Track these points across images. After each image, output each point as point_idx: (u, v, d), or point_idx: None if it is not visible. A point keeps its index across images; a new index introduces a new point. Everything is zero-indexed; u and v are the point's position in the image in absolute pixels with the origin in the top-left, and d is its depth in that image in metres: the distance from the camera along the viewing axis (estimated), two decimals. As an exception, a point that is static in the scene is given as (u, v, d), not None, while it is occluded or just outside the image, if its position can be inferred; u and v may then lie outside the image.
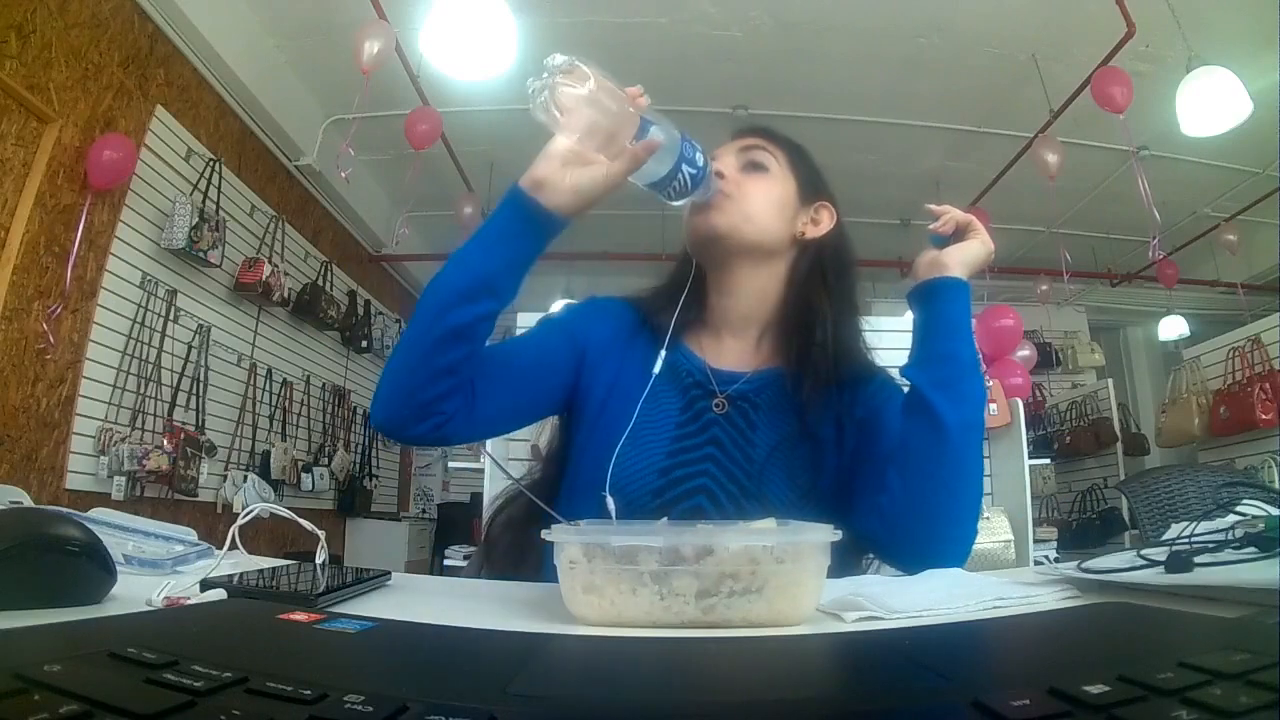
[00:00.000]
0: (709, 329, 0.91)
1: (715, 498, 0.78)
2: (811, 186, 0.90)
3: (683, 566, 0.42)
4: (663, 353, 0.83)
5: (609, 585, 0.43)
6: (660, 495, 0.78)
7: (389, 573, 0.60)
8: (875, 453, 0.79)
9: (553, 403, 0.87)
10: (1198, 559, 0.47)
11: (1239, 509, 0.56)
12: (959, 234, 0.80)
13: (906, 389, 0.78)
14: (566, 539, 0.45)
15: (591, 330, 0.89)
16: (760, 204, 0.85)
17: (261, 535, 3.43)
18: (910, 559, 0.69)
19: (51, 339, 2.36)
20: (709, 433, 0.82)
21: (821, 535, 0.45)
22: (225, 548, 0.57)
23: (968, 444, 0.71)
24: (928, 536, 0.70)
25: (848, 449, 0.83)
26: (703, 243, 0.85)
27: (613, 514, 0.71)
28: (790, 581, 0.43)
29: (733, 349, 0.89)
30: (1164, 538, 0.56)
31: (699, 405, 0.85)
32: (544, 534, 0.46)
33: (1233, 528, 0.52)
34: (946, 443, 0.70)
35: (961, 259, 0.77)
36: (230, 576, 0.50)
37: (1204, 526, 0.54)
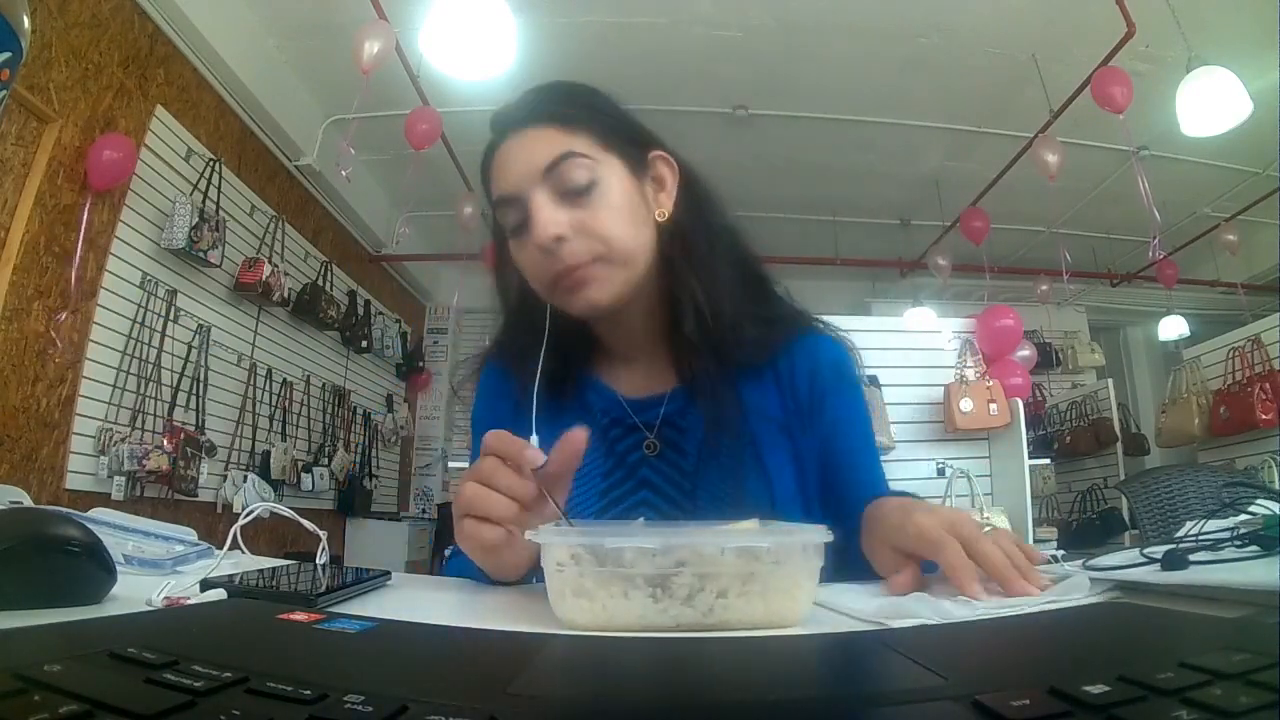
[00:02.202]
0: (607, 355, 0.79)
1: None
2: (634, 146, 0.72)
3: (677, 568, 0.42)
4: (534, 439, 0.57)
5: (599, 589, 0.42)
6: None
7: (389, 573, 0.60)
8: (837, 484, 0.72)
9: None
10: (1195, 557, 0.47)
11: (1249, 509, 0.57)
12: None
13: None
14: (554, 541, 0.44)
15: (501, 419, 0.72)
16: (614, 227, 0.66)
17: (262, 535, 3.43)
18: None
19: (58, 343, 2.37)
20: (638, 475, 0.73)
21: (816, 536, 0.45)
22: (225, 547, 0.57)
23: None
24: None
25: (806, 445, 0.74)
26: (593, 316, 0.70)
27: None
28: (786, 582, 0.43)
29: (641, 370, 0.77)
30: (1175, 536, 0.56)
31: (621, 446, 0.74)
32: (529, 535, 0.45)
33: (1235, 527, 0.52)
34: None
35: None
36: (230, 576, 0.50)
37: (1211, 525, 0.54)
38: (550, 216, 0.65)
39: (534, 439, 0.60)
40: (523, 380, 0.71)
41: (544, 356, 0.68)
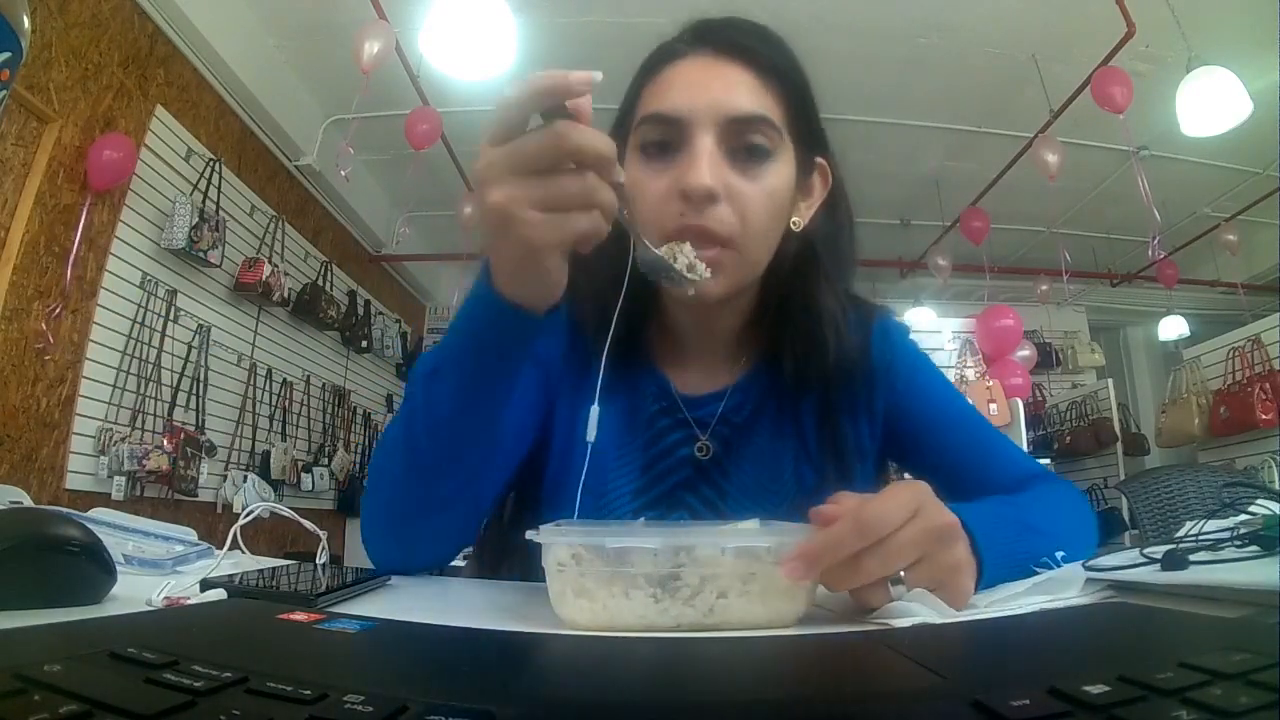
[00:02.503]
0: (667, 339, 0.73)
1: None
2: (810, 144, 0.66)
3: (678, 568, 0.42)
4: (595, 410, 0.54)
5: (600, 588, 0.42)
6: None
7: (389, 573, 0.60)
8: (931, 472, 0.68)
9: (538, 429, 0.71)
10: (1195, 557, 0.47)
11: (1249, 509, 0.56)
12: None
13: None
14: (555, 540, 0.43)
15: (550, 346, 0.69)
16: (762, 219, 0.60)
17: (262, 535, 3.43)
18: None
19: (51, 339, 2.36)
20: (680, 474, 0.69)
21: None
22: (226, 547, 0.57)
23: (1070, 537, 0.56)
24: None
25: (872, 452, 0.71)
26: (691, 302, 0.63)
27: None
28: (786, 582, 0.43)
29: (699, 362, 0.73)
30: (1175, 536, 0.56)
31: (668, 440, 0.69)
32: (529, 534, 0.44)
33: (1235, 527, 0.52)
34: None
35: (970, 578, 0.46)
36: (231, 576, 0.50)
37: (1211, 525, 0.54)
38: (713, 167, 0.57)
39: (595, 409, 0.54)
40: (587, 322, 0.64)
41: (619, 309, 0.56)
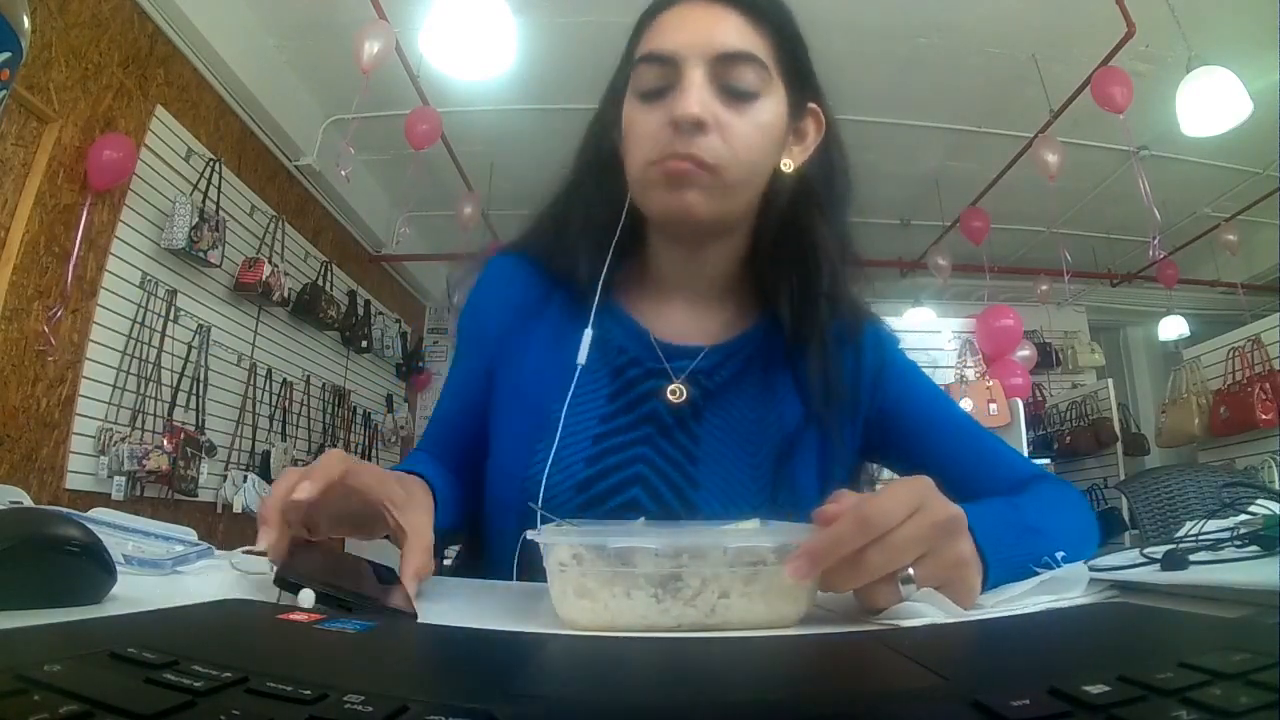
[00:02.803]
0: (651, 285, 0.72)
1: (654, 490, 0.65)
2: (801, 87, 0.67)
3: (679, 568, 0.42)
4: (588, 334, 0.61)
5: (602, 589, 0.42)
6: (586, 489, 0.64)
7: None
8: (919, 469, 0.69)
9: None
10: (1195, 557, 0.47)
11: (1249, 509, 0.57)
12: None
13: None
14: (557, 541, 0.43)
15: (493, 321, 0.73)
16: (750, 151, 0.62)
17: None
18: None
19: (51, 340, 2.36)
20: (643, 428, 0.67)
21: None
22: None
23: (1072, 538, 0.56)
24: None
25: (850, 440, 0.71)
26: (674, 223, 0.65)
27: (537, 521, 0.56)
28: (788, 582, 0.42)
29: (683, 314, 0.71)
30: (1175, 536, 0.56)
31: (637, 391, 0.68)
32: (529, 534, 0.44)
33: (1235, 527, 0.52)
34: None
35: (976, 574, 0.46)
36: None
37: (1211, 525, 0.54)
38: (703, 97, 0.60)
39: (588, 333, 0.59)
40: (561, 271, 0.68)
41: (607, 251, 0.63)
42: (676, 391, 0.67)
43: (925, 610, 0.42)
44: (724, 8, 0.63)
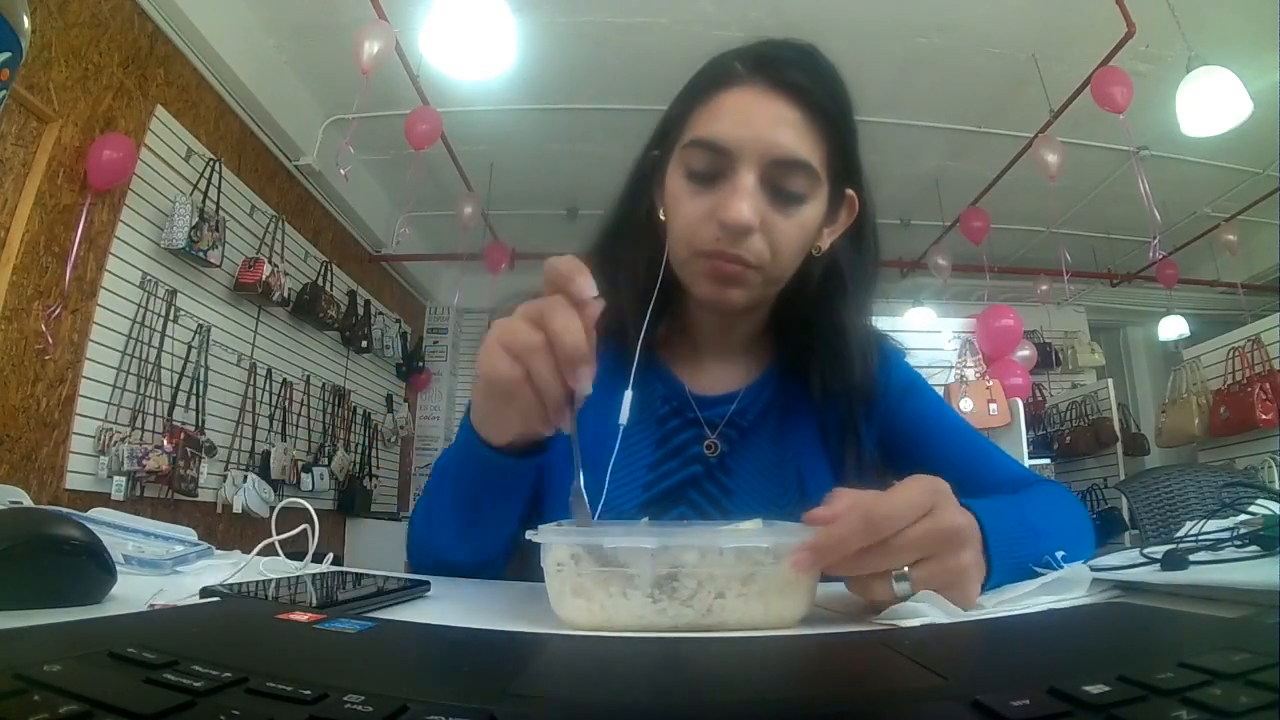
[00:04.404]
0: (686, 343, 0.77)
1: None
2: (841, 185, 0.69)
3: (677, 568, 0.42)
4: (629, 395, 0.60)
5: (598, 589, 0.42)
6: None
7: (428, 582, 0.55)
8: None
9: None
10: (1195, 557, 0.47)
11: (1249, 509, 0.56)
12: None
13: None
14: (552, 540, 0.44)
15: None
16: (793, 250, 0.65)
17: (262, 535, 3.42)
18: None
19: (51, 340, 2.36)
20: (689, 470, 0.71)
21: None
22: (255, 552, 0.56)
23: (1066, 534, 0.57)
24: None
25: (867, 460, 0.74)
26: (714, 311, 0.70)
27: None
28: (785, 583, 0.43)
29: (712, 366, 0.76)
30: (1175, 536, 0.56)
31: (679, 439, 0.73)
32: (529, 534, 0.44)
33: (1235, 527, 0.52)
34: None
35: (976, 579, 0.46)
36: (237, 584, 0.50)
37: (1211, 525, 0.54)
38: (755, 205, 0.61)
39: (628, 394, 0.59)
40: (606, 330, 0.68)
41: (644, 318, 0.65)
42: (712, 446, 0.72)
43: (924, 610, 0.42)
44: (786, 104, 0.63)
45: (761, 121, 0.62)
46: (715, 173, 0.63)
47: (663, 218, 0.69)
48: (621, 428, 0.61)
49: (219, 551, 0.60)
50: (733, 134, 0.62)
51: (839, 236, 0.71)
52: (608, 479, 0.64)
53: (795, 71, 0.65)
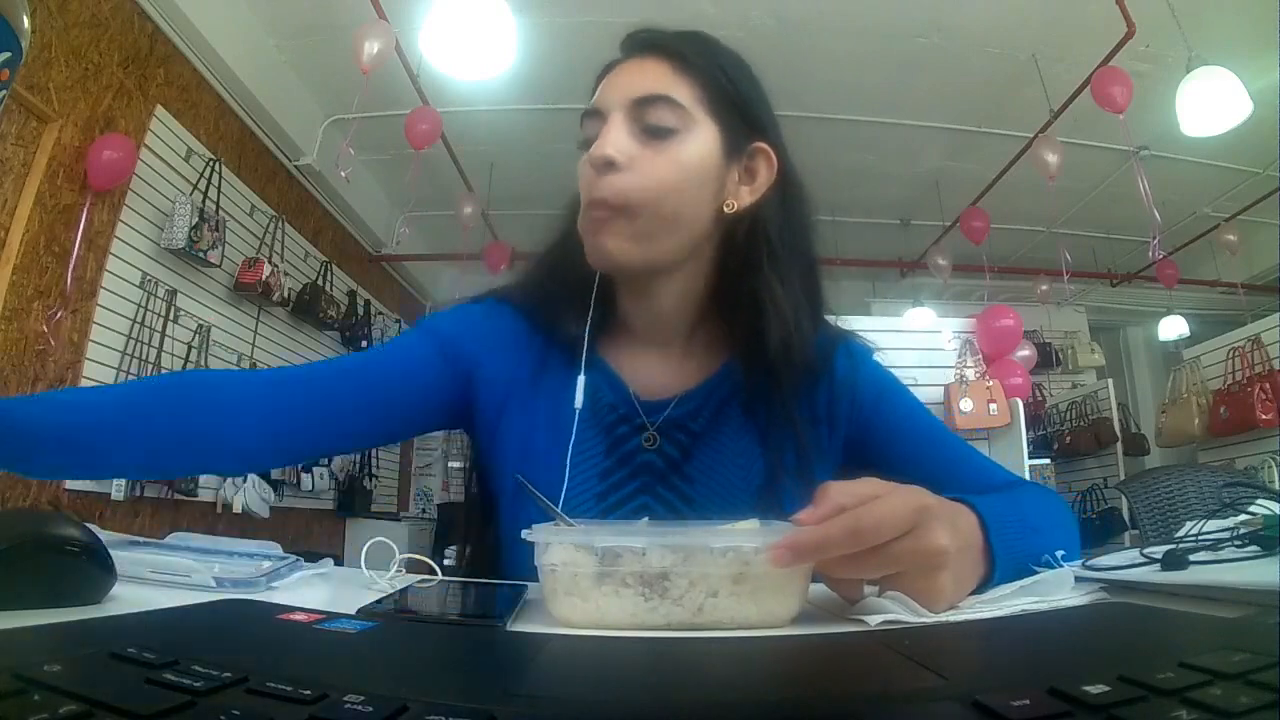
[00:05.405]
0: (626, 336, 0.75)
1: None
2: (741, 126, 0.67)
3: (668, 568, 0.42)
4: (581, 379, 0.64)
5: (591, 588, 0.42)
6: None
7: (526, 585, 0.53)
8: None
9: (428, 422, 0.74)
10: (1195, 557, 0.47)
11: (1249, 509, 0.56)
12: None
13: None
14: (546, 539, 0.44)
15: (473, 344, 0.73)
16: (668, 187, 0.63)
17: (261, 536, 3.43)
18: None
19: (52, 341, 2.36)
20: (639, 479, 0.70)
21: None
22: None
23: (1055, 528, 0.58)
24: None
25: (832, 459, 0.73)
26: (602, 269, 0.68)
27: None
28: (777, 582, 0.43)
29: (658, 364, 0.74)
30: (1175, 536, 0.56)
31: (627, 446, 0.70)
32: (524, 534, 0.45)
33: (1235, 527, 0.52)
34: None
35: (954, 594, 0.45)
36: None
37: (1211, 525, 0.54)
38: (615, 138, 0.63)
39: (581, 379, 0.63)
40: (550, 324, 0.71)
41: (590, 300, 0.67)
42: (651, 439, 0.70)
43: (888, 607, 0.42)
44: (650, 58, 0.67)
45: (625, 75, 0.67)
46: (594, 136, 0.65)
47: None
48: (576, 412, 0.64)
49: (308, 565, 0.57)
50: (603, 95, 0.67)
51: (762, 197, 0.68)
52: (567, 464, 0.66)
53: (659, 35, 0.69)
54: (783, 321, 0.66)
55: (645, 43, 0.69)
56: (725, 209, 0.67)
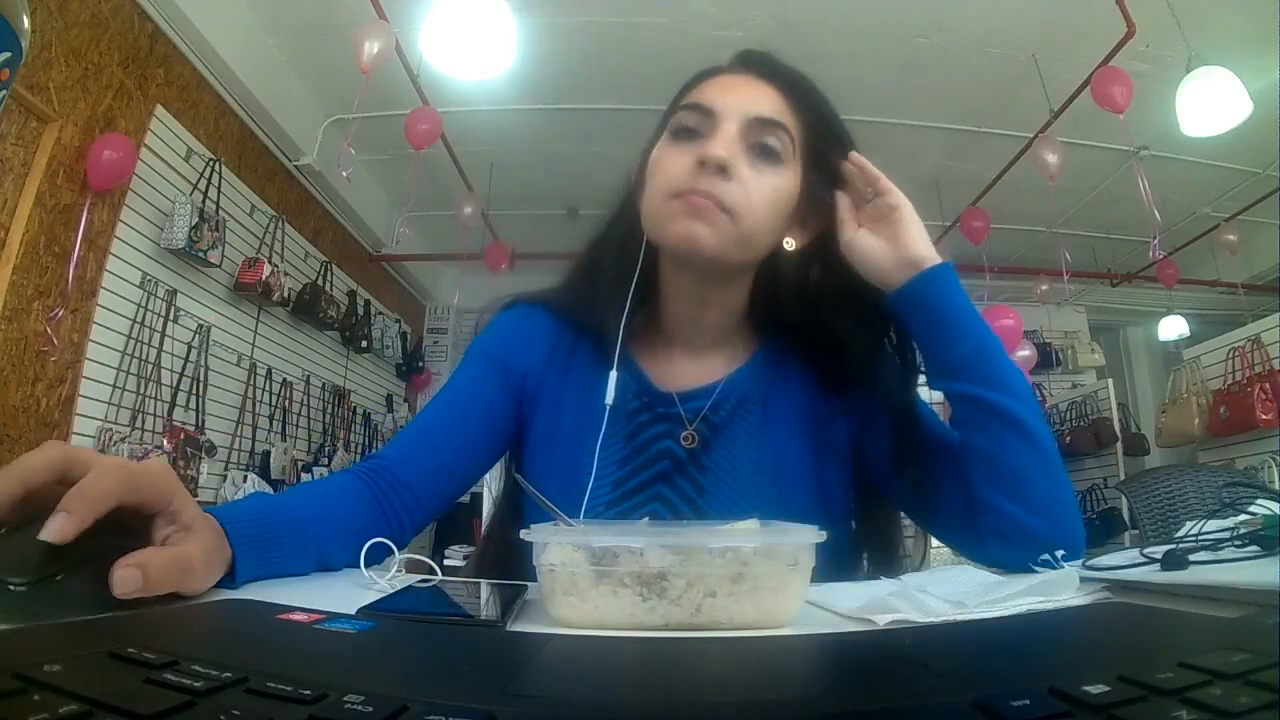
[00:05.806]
0: (654, 334, 0.78)
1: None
2: (819, 177, 0.71)
3: (666, 568, 0.42)
4: (613, 375, 0.67)
5: (590, 588, 0.42)
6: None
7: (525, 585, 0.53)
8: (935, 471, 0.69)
9: (502, 450, 0.79)
10: (1195, 557, 0.47)
11: (1249, 509, 0.56)
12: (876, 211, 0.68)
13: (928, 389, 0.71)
14: (544, 539, 0.44)
15: (519, 355, 0.77)
16: (764, 207, 0.67)
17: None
18: (1034, 561, 0.57)
19: (53, 340, 2.36)
20: (658, 466, 0.72)
21: (807, 536, 0.44)
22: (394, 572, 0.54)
23: (1046, 432, 0.64)
24: (1060, 536, 0.60)
25: (844, 456, 0.76)
26: (684, 255, 0.69)
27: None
28: (776, 582, 0.43)
29: (683, 360, 0.77)
30: (1175, 536, 0.56)
31: (646, 434, 0.73)
32: (522, 534, 0.45)
33: (1235, 527, 0.52)
34: (1034, 442, 0.62)
35: (924, 239, 0.66)
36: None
37: (1211, 525, 0.54)
38: (731, 149, 0.66)
39: (613, 375, 0.67)
40: (590, 320, 0.74)
41: (628, 296, 0.70)
42: (689, 438, 0.73)
43: (899, 606, 0.42)
44: (766, 83, 0.71)
45: (744, 90, 0.70)
46: (699, 130, 0.68)
47: (645, 190, 0.72)
48: (607, 408, 0.67)
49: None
50: (718, 97, 0.69)
51: (809, 243, 0.72)
52: (595, 458, 0.68)
53: (776, 65, 0.73)
54: (855, 350, 0.72)
55: (767, 67, 0.72)
56: (785, 245, 0.71)
